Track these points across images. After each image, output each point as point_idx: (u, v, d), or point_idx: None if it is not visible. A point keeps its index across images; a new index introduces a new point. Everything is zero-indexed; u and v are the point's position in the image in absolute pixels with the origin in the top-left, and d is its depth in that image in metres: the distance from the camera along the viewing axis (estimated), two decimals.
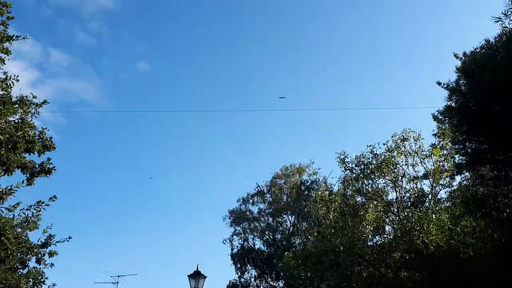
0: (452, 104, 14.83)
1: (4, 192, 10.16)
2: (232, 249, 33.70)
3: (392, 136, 16.29)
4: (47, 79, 68.34)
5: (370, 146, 16.49)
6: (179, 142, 71.40)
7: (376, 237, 17.42)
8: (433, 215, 13.86)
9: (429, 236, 13.54)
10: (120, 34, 72.17)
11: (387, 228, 16.80)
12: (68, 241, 10.58)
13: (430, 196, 16.07)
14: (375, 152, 16.29)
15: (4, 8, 10.09)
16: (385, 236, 16.74)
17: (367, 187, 17.93)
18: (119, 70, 72.67)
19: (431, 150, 15.89)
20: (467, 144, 11.30)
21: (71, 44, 69.99)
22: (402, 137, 16.11)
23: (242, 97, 71.99)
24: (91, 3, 69.57)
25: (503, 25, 9.37)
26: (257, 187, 34.63)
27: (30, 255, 10.42)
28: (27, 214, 10.44)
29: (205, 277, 13.17)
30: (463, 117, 10.91)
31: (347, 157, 16.84)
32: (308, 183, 33.35)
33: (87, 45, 69.97)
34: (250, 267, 33.04)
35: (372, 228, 16.39)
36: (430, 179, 16.01)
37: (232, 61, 74.52)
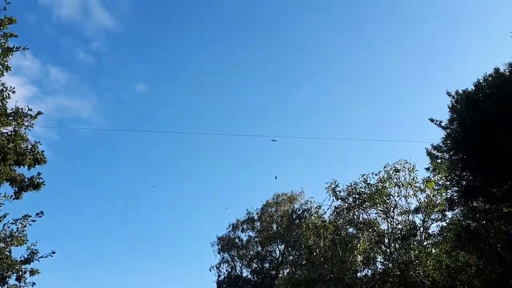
0: (449, 134, 15.05)
1: None
2: (218, 276, 32.97)
3: (385, 166, 16.36)
4: (44, 95, 68.20)
5: (363, 175, 16.51)
6: (173, 164, 70.92)
7: (366, 268, 17.17)
8: (433, 249, 13.69)
9: (426, 271, 13.33)
10: (120, 55, 72.88)
11: (378, 259, 16.59)
12: (51, 256, 10.25)
13: (421, 229, 15.99)
14: (368, 182, 16.28)
15: (7, 20, 10.12)
16: (375, 267, 16.50)
17: (358, 218, 17.81)
18: (118, 90, 72.95)
19: (425, 183, 15.93)
20: (460, 178, 11.37)
21: (71, 62, 70.38)
22: (394, 168, 16.17)
23: (239, 122, 72.32)
24: (93, 23, 70.47)
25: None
26: (247, 214, 34.24)
27: (11, 272, 10.05)
28: (12, 229, 10.15)
29: None
30: (459, 149, 11.02)
31: (338, 186, 16.78)
32: (300, 212, 33.08)
33: (87, 64, 70.42)
34: None
35: (362, 259, 16.17)
36: (422, 213, 15.98)
37: (227, 86, 75.29)
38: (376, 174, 16.36)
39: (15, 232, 9.94)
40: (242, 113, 74.90)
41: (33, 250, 10.10)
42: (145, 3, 71.54)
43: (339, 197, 16.71)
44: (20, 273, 9.95)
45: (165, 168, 69.43)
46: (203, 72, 74.59)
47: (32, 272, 10.00)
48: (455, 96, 17.70)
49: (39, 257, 10.10)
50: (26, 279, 10.00)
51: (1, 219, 9.84)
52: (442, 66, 71.24)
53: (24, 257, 10.04)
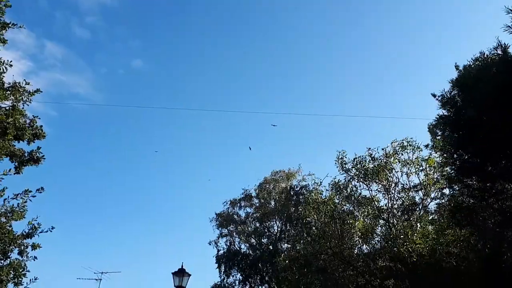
0: (445, 114, 15.06)
1: None
2: (218, 251, 33.55)
3: (392, 142, 16.49)
4: (40, 70, 67.57)
5: (369, 149, 16.69)
6: (170, 140, 71.00)
7: (364, 244, 17.50)
8: (418, 224, 13.98)
9: (413, 245, 13.64)
10: (116, 30, 71.84)
11: (376, 235, 16.90)
12: (51, 231, 10.41)
13: (420, 206, 16.19)
14: (373, 156, 16.47)
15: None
16: (373, 243, 16.81)
17: (356, 194, 17.98)
18: (114, 66, 72.24)
19: (426, 162, 16.07)
20: (456, 155, 11.45)
21: (66, 37, 69.39)
22: (402, 144, 16.27)
23: (237, 97, 72.01)
24: None
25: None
26: (245, 191, 34.57)
27: (13, 246, 10.21)
28: (13, 204, 10.25)
29: (190, 275, 13.04)
30: (455, 128, 11.07)
31: (346, 157, 17.00)
32: (298, 189, 33.39)
33: (82, 39, 69.46)
34: (234, 271, 32.88)
35: (360, 235, 16.45)
36: (422, 190, 16.17)
37: (227, 61, 74.60)
38: (383, 149, 16.55)
39: (15, 207, 10.04)
40: (243, 89, 74.50)
41: (34, 225, 10.23)
42: None
43: (344, 168, 16.92)
44: (22, 247, 10.10)
45: (162, 144, 69.55)
46: (200, 47, 73.74)
47: (34, 247, 10.16)
48: (462, 70, 17.52)
49: (40, 232, 10.24)
50: (28, 253, 10.17)
51: (1, 193, 9.92)
52: (453, 38, 70.50)
53: (25, 231, 10.18)
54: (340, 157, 17.06)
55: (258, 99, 71.26)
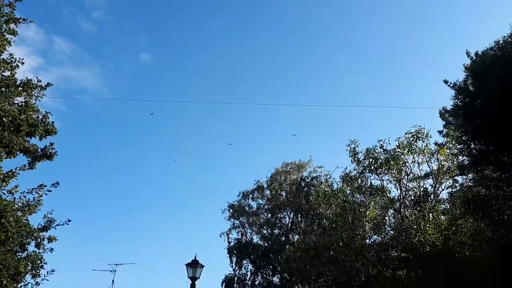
0: (458, 103, 14.81)
1: (6, 175, 10.13)
2: (229, 243, 33.78)
3: (406, 133, 16.32)
4: (50, 66, 68.22)
5: (380, 141, 16.57)
6: (179, 134, 71.36)
7: (376, 235, 17.46)
8: (430, 214, 13.88)
9: (425, 235, 13.57)
10: (123, 24, 72.02)
11: (388, 226, 16.84)
12: (67, 224, 10.56)
13: (432, 196, 16.06)
14: (384, 148, 16.37)
15: None
16: (384, 234, 16.76)
17: (367, 185, 17.91)
18: (121, 60, 72.52)
19: (437, 150, 15.88)
20: (471, 144, 11.28)
21: (74, 32, 69.82)
22: (415, 135, 16.10)
23: (246, 91, 71.84)
24: None
25: None
26: (256, 183, 34.64)
27: (30, 239, 10.41)
28: (28, 198, 10.42)
29: (203, 266, 13.21)
30: (469, 117, 10.89)
31: (358, 147, 16.91)
32: (308, 180, 33.37)
33: (89, 33, 69.81)
34: (246, 262, 33.12)
35: (372, 225, 16.41)
36: (433, 179, 16.01)
37: (235, 54, 74.33)
38: (396, 140, 16.43)
39: (31, 201, 10.20)
40: (253, 81, 74.26)
41: (50, 218, 10.39)
42: None
43: (356, 159, 16.83)
44: (39, 240, 10.28)
45: (171, 137, 69.89)
46: (208, 40, 73.55)
47: (50, 239, 10.32)
48: (474, 57, 17.18)
49: (56, 225, 10.40)
50: (44, 245, 10.34)
51: (16, 189, 10.08)
52: (464, 27, 69.21)
53: (41, 225, 10.35)
54: (352, 146, 16.94)
55: (269, 90, 71.03)
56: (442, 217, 14.08)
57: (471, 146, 11.28)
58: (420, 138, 16.14)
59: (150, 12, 73.26)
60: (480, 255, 12.59)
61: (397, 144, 16.26)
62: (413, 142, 16.15)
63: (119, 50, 72.18)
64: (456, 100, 16.87)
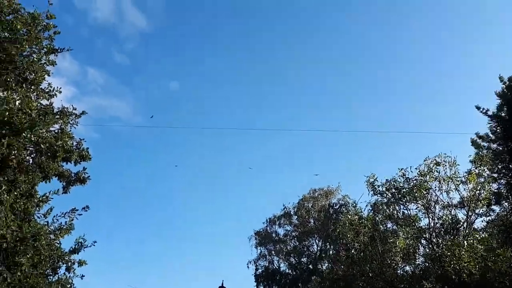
0: (494, 128, 14.36)
1: (41, 199, 10.51)
2: (256, 270, 33.29)
3: (425, 160, 15.87)
4: (83, 96, 71.22)
5: (401, 169, 16.12)
6: (207, 159, 71.99)
7: (407, 266, 16.84)
8: (465, 242, 13.30)
9: (460, 263, 12.96)
10: (153, 54, 74.67)
11: (419, 256, 16.21)
12: (94, 245, 10.76)
13: (465, 224, 15.43)
14: (406, 176, 15.90)
15: (51, 23, 10.63)
16: (416, 263, 16.12)
17: (398, 213, 17.41)
18: (151, 88, 74.86)
19: (466, 177, 15.34)
20: (509, 169, 10.87)
21: (107, 63, 73.01)
22: (435, 161, 15.65)
23: (273, 116, 72.23)
24: (127, 24, 72.68)
25: None
26: (284, 209, 34.31)
27: (61, 263, 10.64)
28: (60, 222, 10.72)
29: None
30: (508, 141, 10.52)
31: (377, 181, 16.46)
32: (337, 207, 32.78)
33: (121, 64, 72.77)
34: None
35: (402, 255, 15.84)
36: (466, 207, 15.41)
37: (263, 80, 75.17)
38: (416, 168, 15.96)
39: (63, 225, 10.50)
40: (276, 108, 74.65)
41: (81, 241, 10.62)
42: (176, 2, 72.87)
43: (377, 192, 16.42)
44: (69, 263, 10.50)
45: (199, 163, 70.56)
46: (234, 66, 74.98)
47: (80, 263, 10.53)
48: (507, 82, 16.70)
49: (84, 247, 10.62)
50: (75, 269, 10.55)
51: (49, 212, 10.42)
52: (485, 52, 67.86)
53: (72, 247, 10.59)
54: (370, 181, 16.55)
55: (293, 116, 71.22)
56: (478, 245, 13.45)
57: (509, 168, 10.86)
58: (443, 164, 15.63)
59: (179, 41, 75.76)
60: None
61: (418, 172, 15.78)
62: (434, 168, 15.62)
63: (149, 79, 74.76)
64: (492, 125, 16.41)
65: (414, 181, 15.74)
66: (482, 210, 15.74)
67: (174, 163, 71.89)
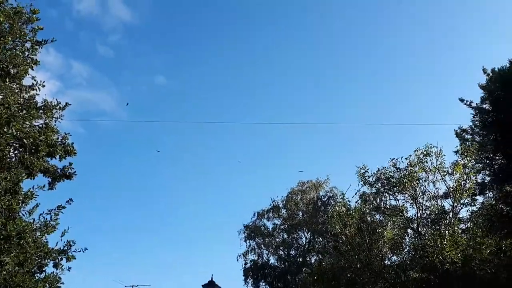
0: (476, 122, 14.59)
1: (26, 195, 10.30)
2: (245, 264, 33.37)
3: (415, 150, 16.00)
4: (68, 89, 70.03)
5: (393, 159, 16.27)
6: (195, 155, 71.79)
7: (394, 255, 17.05)
8: (447, 232, 13.57)
9: (443, 253, 13.21)
10: (138, 47, 73.80)
11: (406, 245, 16.42)
12: (83, 251, 10.62)
13: (451, 214, 15.67)
14: (397, 166, 16.04)
15: (34, 16, 10.41)
16: (403, 254, 16.33)
17: (385, 204, 17.57)
18: (137, 83, 74.02)
19: (453, 167, 15.54)
20: (492, 161, 11.08)
21: (91, 56, 71.90)
22: (425, 152, 15.80)
23: (261, 110, 72.18)
24: (111, 17, 71.66)
25: None
26: (272, 202, 34.37)
27: (48, 260, 10.47)
28: (46, 218, 10.53)
29: (219, 287, 13.09)
30: (491, 133, 10.72)
31: (368, 172, 16.55)
32: (325, 199, 32.97)
33: (106, 57, 71.72)
34: (263, 283, 32.62)
35: (390, 246, 16.02)
36: (451, 198, 15.64)
37: (249, 74, 75.09)
38: (406, 158, 16.11)
39: (49, 221, 10.32)
40: (266, 101, 74.64)
41: (69, 242, 10.42)
42: None
43: (367, 182, 16.51)
44: (57, 260, 10.33)
45: (186, 158, 70.27)
46: (222, 62, 74.67)
47: (68, 258, 10.37)
48: (491, 74, 16.88)
49: (73, 251, 10.44)
50: (62, 265, 10.38)
51: (35, 209, 10.23)
52: (472, 44, 68.89)
53: (60, 246, 10.41)
54: (361, 172, 16.61)
55: (282, 109, 71.33)
56: (462, 235, 13.72)
57: (493, 159, 11.07)
58: (431, 155, 15.81)
59: (164, 35, 74.97)
60: (505, 275, 12.15)
61: (408, 162, 15.93)
62: (424, 159, 15.80)
63: (135, 73, 73.85)
64: (476, 117, 16.63)
65: (404, 171, 15.89)
66: (467, 200, 15.99)
67: (161, 157, 71.33)
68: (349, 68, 76.08)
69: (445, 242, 13.33)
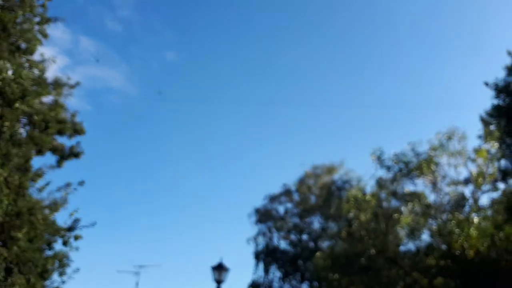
0: (500, 103, 13.91)
1: (36, 173, 10.25)
2: (256, 248, 33.28)
3: (437, 133, 15.42)
4: (76, 65, 70.06)
5: (410, 143, 15.73)
6: (206, 134, 71.42)
7: (410, 242, 16.65)
8: (475, 219, 13.03)
9: (469, 241, 12.72)
10: (149, 22, 73.05)
11: (424, 232, 16.00)
12: (93, 226, 10.58)
13: (471, 201, 15.14)
14: (416, 151, 15.50)
15: None
16: (420, 241, 15.93)
17: (403, 189, 17.09)
18: (147, 58, 73.43)
19: (475, 152, 14.94)
20: None
21: (100, 31, 71.47)
22: (447, 136, 15.20)
23: (274, 90, 71.14)
24: None
25: None
26: (284, 186, 34.01)
27: (57, 237, 10.48)
28: (55, 196, 10.50)
29: (229, 269, 12.93)
30: None
31: (383, 154, 16.07)
32: (340, 184, 32.49)
33: (116, 32, 71.23)
34: (274, 267, 32.54)
35: (407, 232, 15.61)
36: (473, 183, 15.08)
37: (263, 52, 73.82)
38: (427, 142, 15.55)
39: (58, 200, 10.28)
40: (281, 82, 73.60)
41: (76, 219, 10.42)
42: None
43: (384, 166, 16.01)
44: (66, 237, 10.33)
45: (198, 137, 70.03)
46: (234, 38, 73.53)
47: (76, 237, 10.38)
48: None
49: (82, 226, 10.44)
50: (71, 244, 10.39)
51: (45, 186, 10.18)
52: (497, 25, 66.47)
53: (68, 224, 10.41)
54: (377, 155, 16.09)
55: (295, 93, 70.33)
56: (485, 222, 13.18)
57: None
58: (455, 139, 15.20)
59: (176, 9, 74.00)
60: None
61: (430, 146, 15.36)
62: (445, 143, 15.21)
63: (144, 49, 73.34)
64: (498, 101, 15.88)
65: (424, 156, 15.33)
66: (488, 187, 15.42)
67: (171, 136, 70.77)
68: (366, 52, 74.38)
69: (471, 230, 12.80)
